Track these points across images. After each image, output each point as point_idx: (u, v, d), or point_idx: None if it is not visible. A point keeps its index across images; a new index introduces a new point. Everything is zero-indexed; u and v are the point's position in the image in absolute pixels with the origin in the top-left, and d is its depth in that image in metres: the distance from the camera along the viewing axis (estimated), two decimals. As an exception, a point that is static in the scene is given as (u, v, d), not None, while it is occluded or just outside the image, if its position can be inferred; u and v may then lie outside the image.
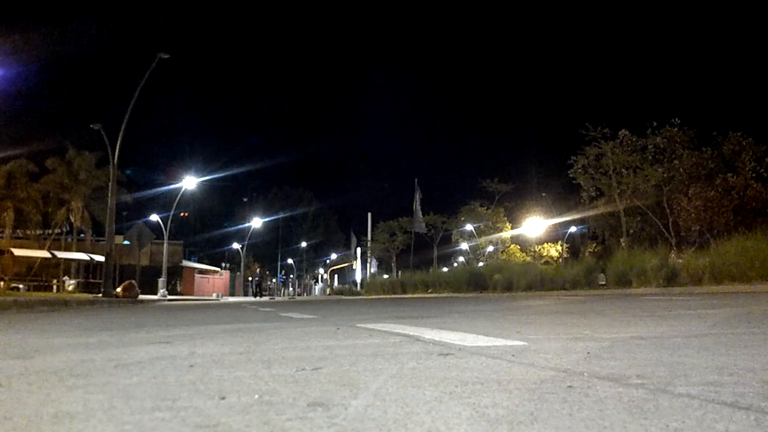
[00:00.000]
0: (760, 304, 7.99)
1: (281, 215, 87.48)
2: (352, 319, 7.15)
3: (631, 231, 36.01)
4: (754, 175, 30.55)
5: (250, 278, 74.26)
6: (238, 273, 73.60)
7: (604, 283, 23.58)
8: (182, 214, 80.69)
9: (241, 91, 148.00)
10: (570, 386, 2.10)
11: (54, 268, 49.09)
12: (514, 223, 57.36)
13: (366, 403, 1.90)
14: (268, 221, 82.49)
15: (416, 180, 60.44)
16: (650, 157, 33.24)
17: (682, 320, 5.46)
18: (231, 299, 41.19)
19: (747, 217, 29.42)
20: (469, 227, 57.00)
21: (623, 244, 34.43)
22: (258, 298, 42.51)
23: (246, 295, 64.96)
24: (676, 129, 32.78)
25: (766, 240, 17.78)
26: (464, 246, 60.76)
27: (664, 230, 33.81)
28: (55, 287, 44.84)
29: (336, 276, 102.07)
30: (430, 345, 3.66)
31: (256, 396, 2.07)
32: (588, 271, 25.50)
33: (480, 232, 56.17)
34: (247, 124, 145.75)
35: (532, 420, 1.63)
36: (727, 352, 2.95)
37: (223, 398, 2.05)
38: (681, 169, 31.74)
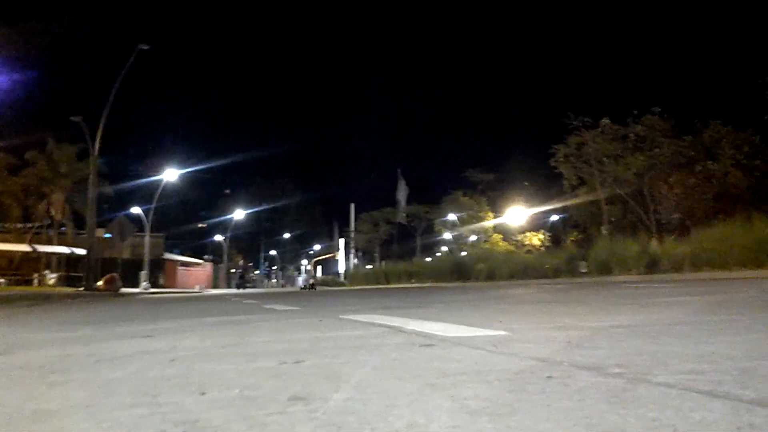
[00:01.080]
0: (739, 291, 8.08)
1: (264, 207, 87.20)
2: (335, 311, 7.16)
3: (613, 219, 36.23)
4: (733, 162, 30.72)
5: (233, 270, 74.12)
6: (221, 265, 73.37)
7: (585, 271, 23.74)
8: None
9: (224, 82, 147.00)
10: (550, 376, 2.11)
11: (35, 262, 48.64)
12: (497, 212, 57.45)
13: (347, 396, 1.90)
14: (251, 213, 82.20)
15: (399, 170, 60.51)
16: (631, 146, 33.39)
17: (662, 308, 5.51)
18: (214, 291, 41.05)
19: (727, 205, 29.64)
20: (452, 217, 57.09)
21: (604, 232, 34.63)
22: (241, 290, 42.42)
23: (229, 287, 64.80)
24: (656, 117, 32.96)
25: (745, 227, 17.95)
26: (447, 236, 60.88)
27: (644, 218, 34.05)
28: (36, 281, 44.46)
29: (320, 267, 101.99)
30: (413, 336, 3.67)
31: (237, 390, 2.07)
32: (570, 259, 25.67)
33: (463, 222, 56.25)
34: (230, 116, 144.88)
35: (511, 411, 1.64)
36: (706, 340, 2.97)
37: (204, 393, 2.05)
38: (661, 157, 31.91)
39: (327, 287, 50.46)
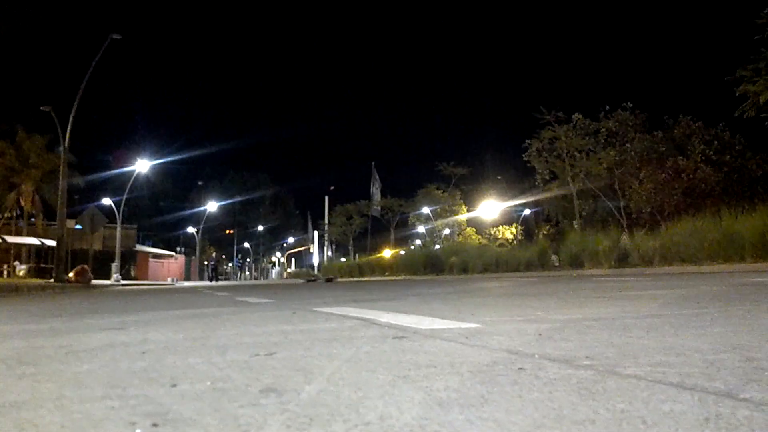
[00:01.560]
0: (708, 285, 8.17)
1: (237, 199, 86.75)
2: (308, 303, 7.14)
3: (584, 213, 36.55)
4: (703, 158, 31.10)
5: (205, 262, 73.64)
6: (194, 257, 72.88)
7: (557, 264, 23.93)
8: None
9: (198, 74, 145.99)
10: (521, 368, 2.12)
11: (4, 254, 47.99)
12: (470, 206, 57.78)
13: (319, 389, 1.90)
14: (224, 205, 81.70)
15: (373, 163, 60.54)
16: (603, 141, 33.72)
17: (632, 301, 5.57)
18: (186, 284, 40.76)
19: (696, 200, 30.02)
20: (425, 210, 57.25)
21: (576, 226, 34.93)
22: (214, 283, 42.19)
23: (202, 279, 64.40)
24: (628, 113, 33.30)
25: (714, 222, 18.18)
26: (421, 229, 61.06)
27: (615, 212, 34.39)
28: (5, 273, 43.87)
29: (293, 259, 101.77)
30: (386, 328, 3.67)
31: (209, 383, 2.06)
32: (542, 253, 25.83)
33: (437, 215, 56.44)
34: (204, 108, 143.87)
35: (482, 402, 1.65)
36: (675, 333, 3.00)
37: (175, 385, 2.03)
38: (633, 152, 32.20)
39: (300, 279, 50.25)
